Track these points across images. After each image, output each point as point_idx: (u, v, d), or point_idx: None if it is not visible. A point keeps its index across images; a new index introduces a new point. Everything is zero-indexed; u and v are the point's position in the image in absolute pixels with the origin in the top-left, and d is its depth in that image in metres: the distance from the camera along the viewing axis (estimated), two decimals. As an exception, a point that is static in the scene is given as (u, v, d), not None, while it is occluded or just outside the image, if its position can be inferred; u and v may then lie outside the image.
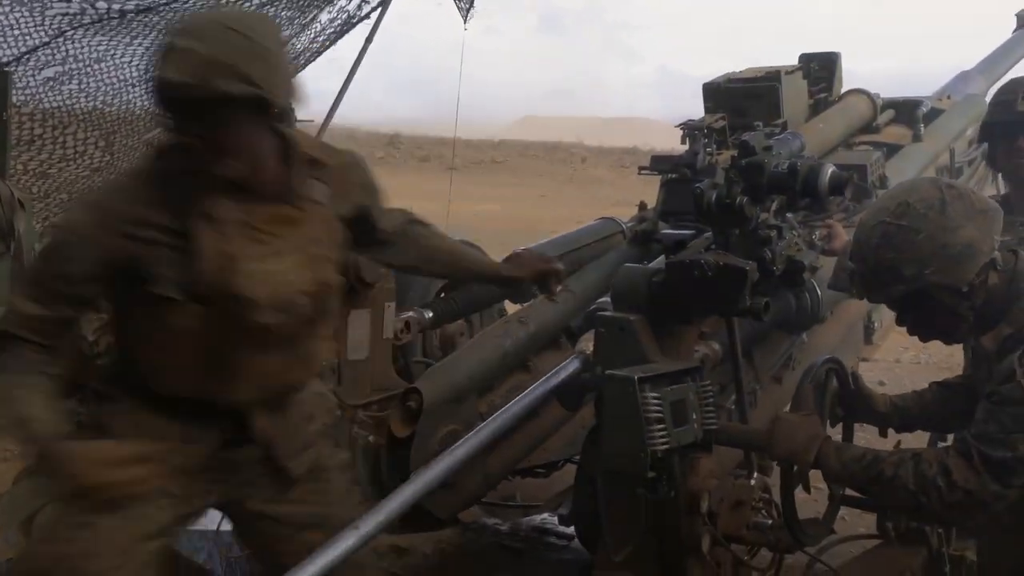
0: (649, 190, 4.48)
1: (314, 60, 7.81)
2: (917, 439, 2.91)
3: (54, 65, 7.26)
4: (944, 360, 8.24)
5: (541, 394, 2.73)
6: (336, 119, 7.42)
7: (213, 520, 2.92)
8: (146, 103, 7.78)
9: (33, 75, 7.10)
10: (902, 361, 8.30)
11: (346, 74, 7.40)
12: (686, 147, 4.27)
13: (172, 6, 6.12)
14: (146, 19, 6.54)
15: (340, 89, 7.45)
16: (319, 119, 7.19)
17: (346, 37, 7.58)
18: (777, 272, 2.52)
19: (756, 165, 2.44)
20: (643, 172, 4.18)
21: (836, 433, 2.67)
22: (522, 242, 4.17)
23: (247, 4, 6.23)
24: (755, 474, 2.70)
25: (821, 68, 5.16)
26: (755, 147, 2.48)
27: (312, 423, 2.31)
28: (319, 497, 2.28)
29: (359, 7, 6.97)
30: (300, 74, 8.04)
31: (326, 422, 2.42)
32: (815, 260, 2.73)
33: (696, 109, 4.90)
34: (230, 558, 2.72)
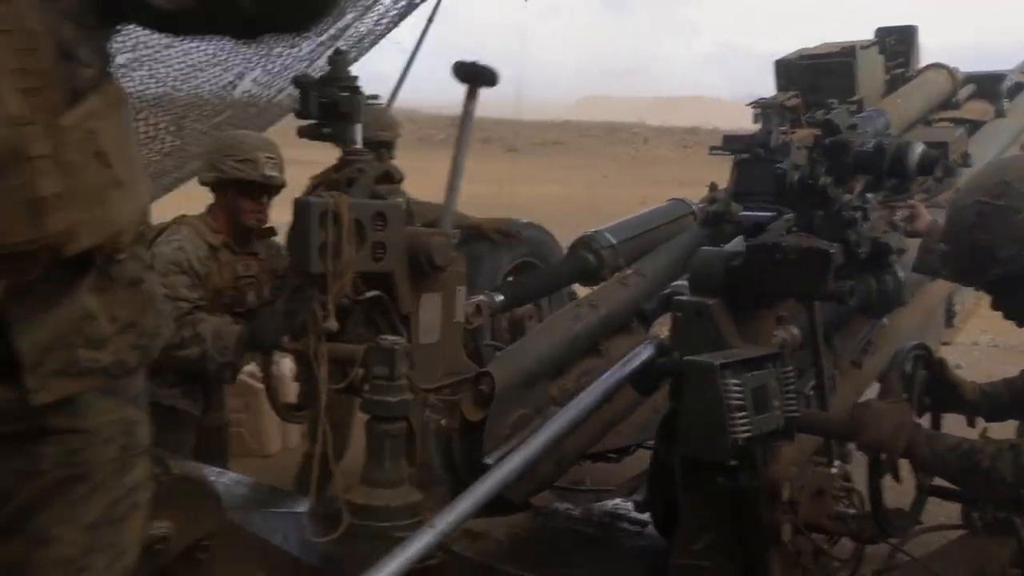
0: (715, 170, 4.40)
1: (377, 43, 7.83)
2: (1004, 429, 2.82)
3: (125, 52, 7.38)
4: (1022, 344, 8.01)
5: (616, 380, 2.69)
6: (398, 101, 7.44)
7: (289, 503, 2.96)
8: (214, 87, 7.89)
9: (106, 63, 7.25)
10: (980, 344, 8.09)
11: (408, 56, 7.40)
12: (757, 125, 4.18)
13: (241, -10, 6.18)
14: (214, 3, 6.63)
15: (402, 71, 7.45)
16: (380, 103, 7.23)
17: (408, 19, 7.59)
18: (862, 255, 2.44)
19: (841, 144, 2.37)
20: (714, 152, 4.09)
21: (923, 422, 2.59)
22: (584, 224, 4.13)
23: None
24: (836, 462, 2.63)
25: (898, 42, 5.01)
26: (839, 125, 2.40)
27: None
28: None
29: (422, -12, 6.96)
30: (363, 57, 8.07)
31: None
32: (901, 242, 2.64)
33: (760, 86, 4.82)
34: (307, 540, 2.75)
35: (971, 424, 2.72)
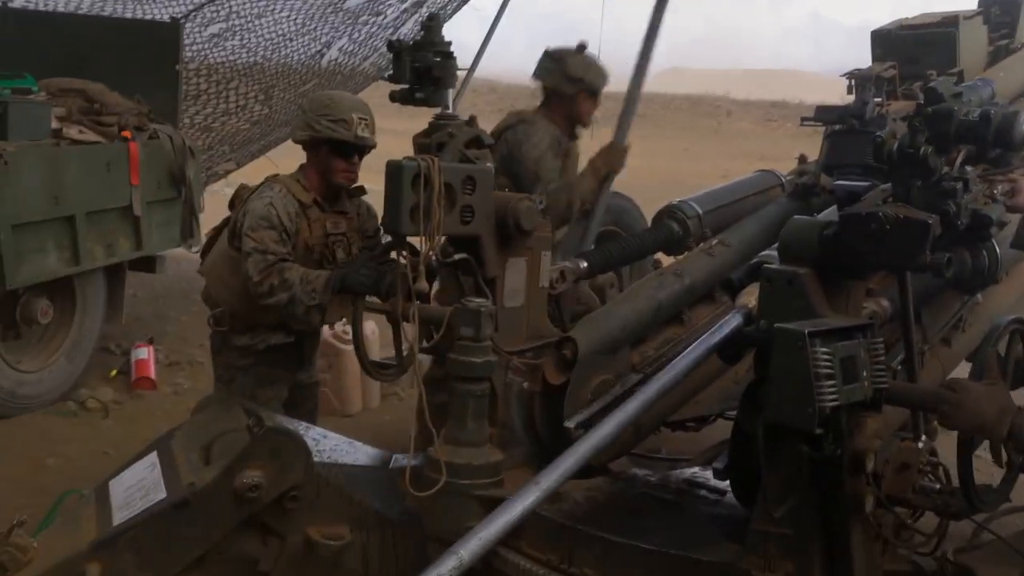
0: (798, 143, 4.33)
1: (460, 8, 7.85)
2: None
3: (218, 22, 7.57)
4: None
5: (704, 350, 2.70)
6: (478, 72, 7.43)
7: (374, 458, 3.03)
8: (302, 56, 8.02)
9: (200, 31, 7.43)
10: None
11: (488, 25, 7.39)
12: (850, 98, 4.09)
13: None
14: (303, -29, 6.74)
15: (483, 41, 7.43)
16: (462, 71, 7.24)
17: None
18: (962, 227, 2.39)
19: (945, 113, 2.31)
20: (806, 123, 4.03)
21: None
22: (667, 196, 4.10)
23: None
24: (923, 437, 2.60)
25: (1003, 12, 4.84)
26: (943, 94, 2.35)
27: None
28: None
29: (503, -44, 6.96)
30: (445, 24, 8.09)
31: None
32: (1003, 215, 2.57)
33: (849, 58, 4.72)
34: (388, 495, 2.82)
35: None
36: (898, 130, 2.53)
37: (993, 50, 4.75)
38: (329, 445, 2.96)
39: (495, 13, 7.42)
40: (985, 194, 2.64)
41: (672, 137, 21.72)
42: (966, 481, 2.25)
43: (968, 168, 2.73)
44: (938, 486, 2.43)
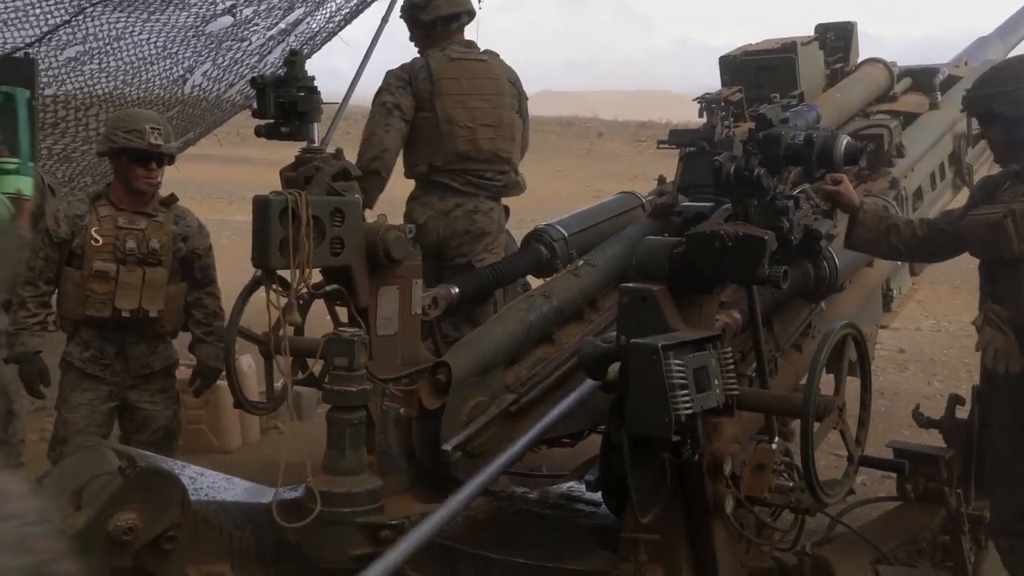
0: (666, 163, 4.53)
1: (329, 40, 7.85)
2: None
3: (75, 44, 7.32)
4: (965, 327, 8.28)
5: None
6: (352, 100, 7.44)
7: (251, 494, 3.03)
8: (164, 81, 7.83)
9: (55, 55, 7.19)
10: (922, 329, 8.34)
11: (362, 54, 7.41)
12: (703, 120, 4.32)
13: (189, -22, 6.19)
14: (164, -7, 6.62)
15: (357, 70, 7.44)
16: (336, 100, 7.23)
17: (361, 17, 7.62)
18: (795, 241, 2.58)
19: (773, 137, 2.50)
20: (662, 146, 4.23)
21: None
22: (540, 217, 4.24)
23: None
24: (776, 438, 2.77)
25: (837, 38, 5.17)
26: (772, 119, 2.54)
27: None
28: None
29: (374, -13, 7.01)
30: (315, 54, 8.06)
31: None
32: (831, 229, 2.79)
33: (715, 80, 4.94)
34: (268, 528, 2.82)
35: None
36: (738, 152, 2.72)
37: (830, 73, 5.08)
38: (206, 483, 2.93)
39: (367, 44, 7.46)
40: (817, 210, 2.86)
41: (545, 159, 22.13)
42: (810, 477, 2.41)
43: (805, 186, 2.95)
44: (791, 484, 2.61)
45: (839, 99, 4.66)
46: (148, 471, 2.58)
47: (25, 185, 4.08)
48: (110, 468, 2.63)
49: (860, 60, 5.22)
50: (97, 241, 3.65)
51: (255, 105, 3.31)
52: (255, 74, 4.37)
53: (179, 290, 3.84)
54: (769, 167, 2.52)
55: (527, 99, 4.37)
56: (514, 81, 4.27)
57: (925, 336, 8.16)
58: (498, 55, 4.27)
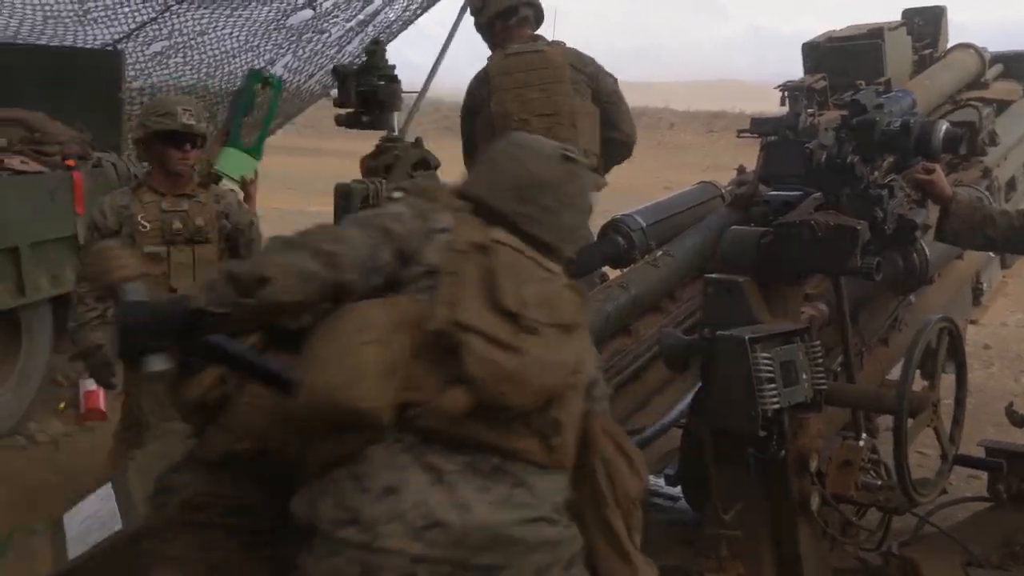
0: (739, 153, 4.43)
1: (405, 29, 7.88)
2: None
3: (161, 40, 7.50)
4: (1053, 322, 7.99)
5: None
6: (432, 92, 7.46)
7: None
8: (246, 74, 7.98)
9: (142, 50, 7.38)
10: (1008, 324, 8.05)
11: (433, 43, 7.43)
12: (784, 108, 4.21)
13: (272, -24, 6.29)
14: (248, -11, 6.74)
15: (435, 62, 7.44)
16: (414, 87, 7.25)
17: (436, 8, 7.64)
18: (888, 231, 2.50)
19: (868, 123, 2.42)
20: (742, 135, 4.13)
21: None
22: (612, 208, 4.18)
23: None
24: (863, 435, 2.70)
25: (925, 23, 5.01)
26: (866, 105, 2.46)
27: None
28: None
29: (451, -22, 7.01)
30: (390, 44, 8.11)
31: None
32: (926, 219, 2.69)
33: (788, 69, 4.82)
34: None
35: None
36: (828, 140, 2.64)
37: (918, 59, 4.92)
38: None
39: (445, 33, 7.48)
40: (910, 199, 2.76)
41: (616, 150, 22.00)
42: (903, 476, 2.34)
43: (897, 176, 2.85)
44: (879, 482, 2.53)
45: (928, 86, 4.50)
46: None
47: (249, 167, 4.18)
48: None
49: (950, 46, 5.04)
50: (145, 227, 3.73)
51: (334, 92, 3.34)
52: (335, 64, 4.42)
53: None
54: (863, 154, 2.44)
55: (614, 80, 4.27)
56: (580, 67, 4.18)
57: (1011, 331, 7.87)
58: (562, 43, 4.21)
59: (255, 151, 6.19)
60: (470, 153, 4.03)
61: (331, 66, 6.27)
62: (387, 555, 1.63)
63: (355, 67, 3.31)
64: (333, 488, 1.70)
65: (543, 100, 4.06)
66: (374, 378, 1.66)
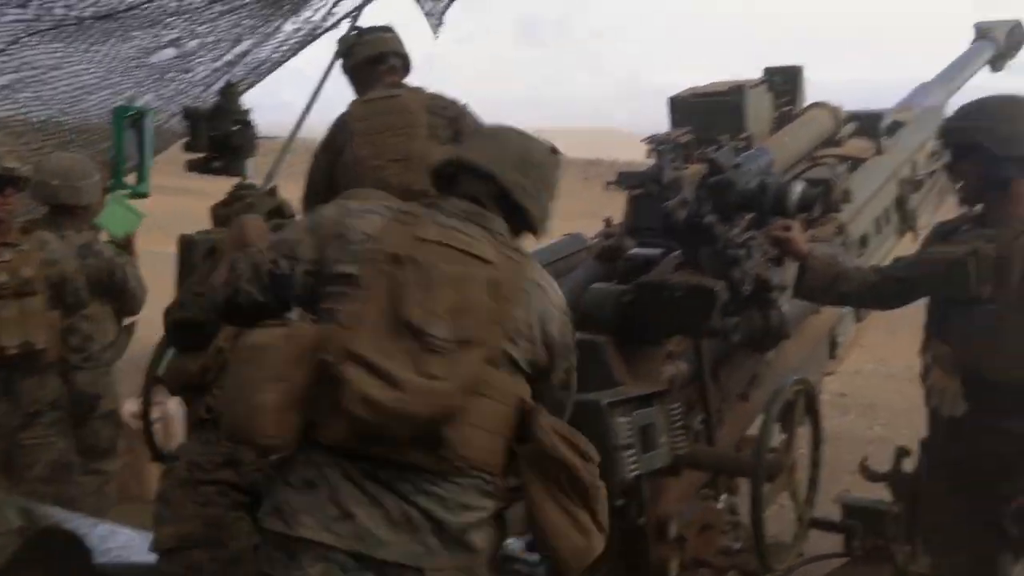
0: (613, 203, 4.45)
1: (275, 70, 7.70)
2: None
3: (8, 73, 7.09)
4: (904, 370, 8.32)
5: None
6: (303, 132, 7.30)
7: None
8: (102, 112, 7.63)
9: (-14, 83, 6.94)
10: (863, 372, 8.36)
11: (312, 85, 7.27)
12: (652, 161, 4.25)
13: (131, 12, 6.02)
14: (104, 26, 6.43)
15: (308, 102, 7.28)
16: (284, 131, 7.08)
17: (312, 48, 7.49)
18: (746, 292, 2.49)
19: (726, 183, 2.42)
20: (610, 186, 4.14)
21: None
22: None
23: (209, 11, 6.12)
24: (723, 495, 2.67)
25: (785, 81, 5.15)
26: (724, 164, 2.46)
27: None
28: None
29: (324, 18, 6.87)
30: (265, 86, 7.91)
31: None
32: (783, 279, 2.70)
33: (663, 120, 4.89)
34: None
35: None
36: (690, 196, 2.63)
37: (778, 116, 5.06)
38: (119, 541, 2.73)
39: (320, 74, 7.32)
40: (768, 257, 2.78)
41: (493, 194, 22.13)
42: (759, 541, 2.32)
43: (756, 233, 2.87)
44: (738, 546, 2.51)
45: (787, 143, 4.62)
46: (49, 531, 2.38)
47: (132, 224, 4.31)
48: (8, 527, 2.43)
49: (807, 104, 5.21)
50: None
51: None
52: (184, 106, 4.25)
53: (55, 318, 3.74)
54: (721, 213, 2.43)
55: (477, 120, 4.22)
56: (439, 111, 4.14)
57: (866, 379, 8.16)
58: (420, 88, 4.17)
59: (143, 188, 5.83)
60: (311, 195, 3.93)
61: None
62: (305, 544, 1.80)
63: (207, 109, 3.14)
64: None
65: (397, 145, 3.99)
66: (270, 414, 1.80)
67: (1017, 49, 6.28)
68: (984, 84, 5.88)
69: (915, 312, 3.36)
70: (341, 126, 4.00)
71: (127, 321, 4.28)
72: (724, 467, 2.50)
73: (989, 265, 2.79)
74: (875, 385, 8.09)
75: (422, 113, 4.08)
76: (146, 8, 5.71)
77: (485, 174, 2.03)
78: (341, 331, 1.82)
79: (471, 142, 2.24)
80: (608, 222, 4.33)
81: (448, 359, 1.82)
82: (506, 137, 2.15)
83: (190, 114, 3.19)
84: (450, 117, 4.15)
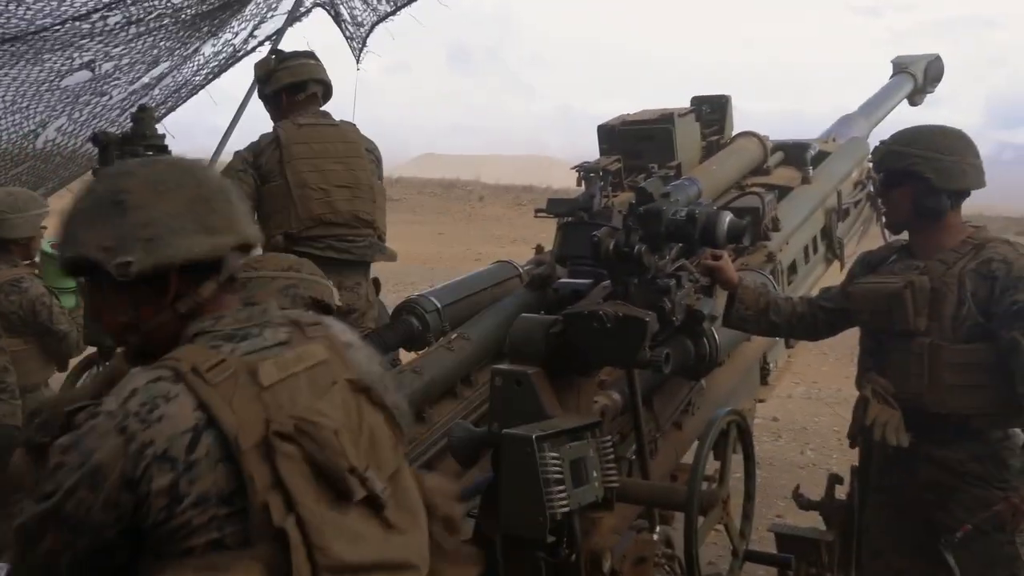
0: (546, 229, 4.42)
1: (196, 93, 7.54)
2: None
3: (-90, 96, 6.78)
4: (835, 395, 8.44)
5: None
6: (225, 156, 7.14)
7: None
8: (14, 136, 7.36)
9: None
10: (794, 396, 8.45)
11: (234, 108, 7.13)
12: (582, 188, 4.23)
13: (41, 35, 5.82)
14: (12, 48, 6.20)
15: (229, 125, 7.14)
16: (207, 155, 6.92)
17: (241, 72, 7.34)
18: (676, 322, 2.46)
19: (654, 212, 2.39)
20: (539, 214, 4.11)
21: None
22: (420, 280, 4.05)
23: (121, 33, 5.95)
24: (657, 527, 2.62)
25: (713, 111, 5.22)
26: (653, 194, 2.43)
27: None
28: None
29: (245, 41, 6.75)
30: (183, 107, 7.73)
31: None
32: (714, 309, 2.68)
33: (595, 148, 4.90)
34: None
35: None
36: (619, 224, 2.59)
37: (706, 145, 5.11)
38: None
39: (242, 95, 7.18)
40: (698, 286, 2.75)
41: (426, 222, 22.03)
42: (692, 574, 2.27)
43: (685, 262, 2.85)
44: (672, 578, 2.45)
45: (715, 171, 4.66)
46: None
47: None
48: None
49: (735, 133, 5.27)
50: None
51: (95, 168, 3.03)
52: (95, 131, 4.10)
53: None
54: (650, 243, 2.40)
55: (381, 167, 4.21)
56: (371, 149, 4.11)
57: (797, 404, 8.26)
58: (354, 125, 4.12)
59: None
60: (263, 225, 3.82)
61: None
62: None
63: (118, 135, 3.02)
64: None
65: (342, 172, 3.93)
66: None
67: (936, 83, 6.47)
68: (903, 118, 6.04)
69: (844, 338, 3.38)
70: (270, 149, 3.88)
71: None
72: (657, 501, 2.44)
73: (925, 297, 2.80)
74: (806, 410, 8.18)
75: (362, 147, 4.04)
76: (58, 30, 5.51)
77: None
78: None
79: None
80: (539, 249, 4.30)
81: None
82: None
83: (99, 139, 3.07)
84: (377, 158, 4.14)
